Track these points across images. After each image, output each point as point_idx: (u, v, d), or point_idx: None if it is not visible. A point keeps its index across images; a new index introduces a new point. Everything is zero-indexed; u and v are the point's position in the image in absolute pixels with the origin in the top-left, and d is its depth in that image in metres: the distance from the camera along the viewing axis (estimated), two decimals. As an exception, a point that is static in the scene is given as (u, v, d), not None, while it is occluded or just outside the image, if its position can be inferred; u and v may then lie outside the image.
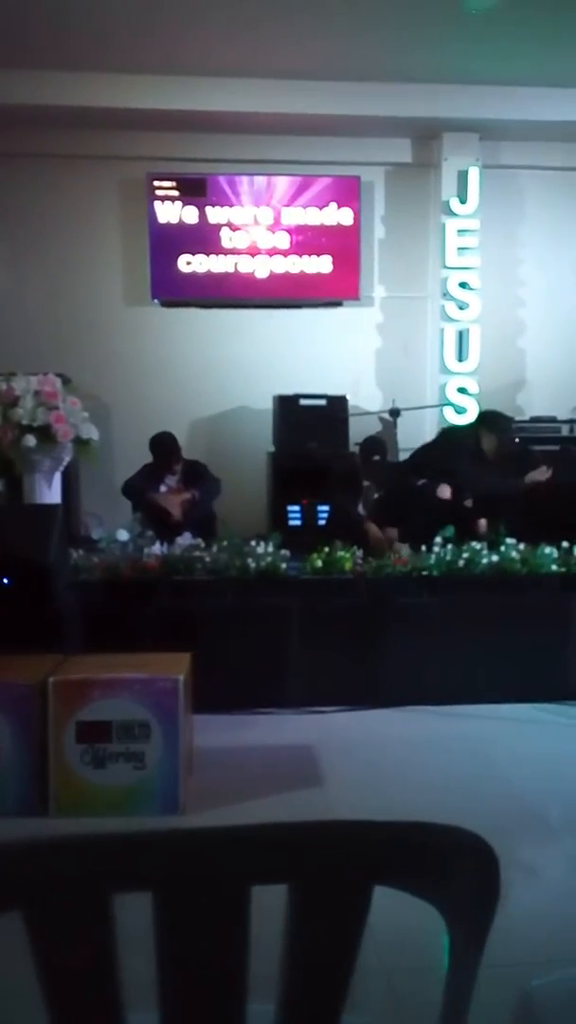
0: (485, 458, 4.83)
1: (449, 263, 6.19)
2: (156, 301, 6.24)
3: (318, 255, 6.25)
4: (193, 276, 6.18)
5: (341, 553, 3.90)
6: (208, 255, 6.17)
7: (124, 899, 0.76)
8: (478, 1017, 0.88)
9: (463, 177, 6.16)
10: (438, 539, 4.00)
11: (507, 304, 6.50)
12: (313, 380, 6.03)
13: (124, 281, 6.28)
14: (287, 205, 6.21)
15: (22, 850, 0.74)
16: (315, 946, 0.79)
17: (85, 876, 0.75)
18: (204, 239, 6.17)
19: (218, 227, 6.17)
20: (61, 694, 2.68)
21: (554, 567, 3.93)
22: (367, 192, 6.33)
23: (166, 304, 6.27)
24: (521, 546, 3.98)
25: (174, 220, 6.13)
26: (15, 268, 6.23)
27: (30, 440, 3.80)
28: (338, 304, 6.37)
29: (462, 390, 6.20)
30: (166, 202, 6.11)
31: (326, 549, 3.92)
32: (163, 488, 5.30)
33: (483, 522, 4.45)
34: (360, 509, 4.92)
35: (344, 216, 6.24)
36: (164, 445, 5.33)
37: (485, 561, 3.91)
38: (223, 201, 6.16)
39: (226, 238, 6.19)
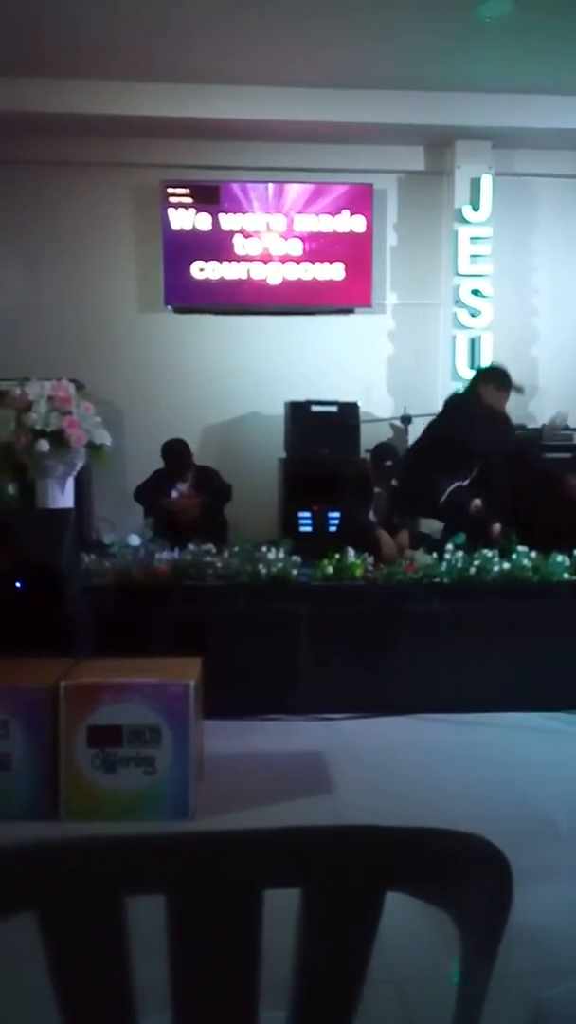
0: (492, 414, 4.65)
1: (461, 270, 6.19)
2: (169, 307, 6.26)
3: (330, 262, 6.26)
4: (206, 283, 6.20)
5: (352, 560, 3.90)
6: (221, 262, 6.20)
7: (137, 902, 0.76)
8: (490, 1027, 0.88)
9: (476, 185, 6.16)
10: (449, 546, 3.99)
11: (519, 312, 6.49)
12: (325, 387, 6.04)
13: (137, 287, 6.31)
14: (300, 212, 6.23)
15: (36, 851, 0.74)
16: (327, 951, 0.79)
17: (98, 878, 0.75)
18: (217, 246, 6.19)
19: (231, 234, 6.20)
20: (72, 698, 2.68)
21: (566, 575, 3.91)
22: (380, 199, 6.34)
23: (179, 310, 6.30)
24: (533, 554, 3.96)
25: (187, 227, 6.16)
26: (30, 274, 6.27)
27: (43, 445, 3.82)
28: (350, 311, 6.38)
29: (474, 397, 6.18)
30: (179, 209, 6.14)
31: (337, 555, 3.91)
32: (174, 494, 5.31)
33: (497, 527, 4.43)
34: (371, 516, 4.92)
35: (357, 223, 6.25)
36: (175, 452, 5.35)
37: (496, 569, 3.89)
38: (236, 208, 6.19)
39: (239, 245, 6.21)
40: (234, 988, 0.79)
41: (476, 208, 6.17)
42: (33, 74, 5.39)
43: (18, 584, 3.22)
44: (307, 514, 5.67)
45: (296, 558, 3.91)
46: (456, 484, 4.56)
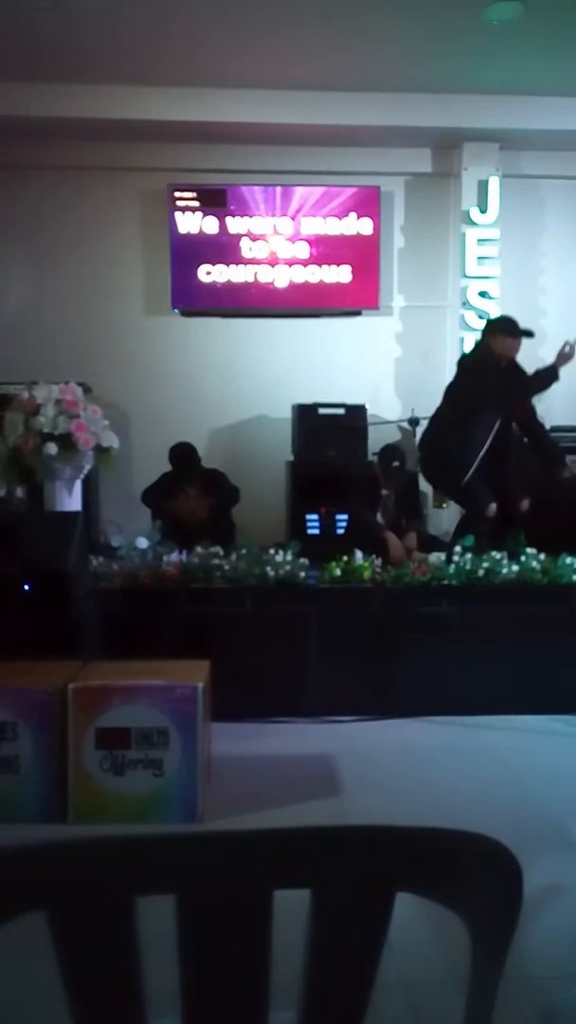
0: (506, 365, 4.65)
1: (469, 272, 6.19)
2: (176, 311, 6.28)
3: (338, 265, 6.26)
4: (213, 286, 6.21)
5: (360, 562, 3.90)
6: (228, 265, 6.21)
7: (147, 902, 0.76)
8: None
9: (483, 187, 6.15)
10: (457, 548, 3.99)
11: (527, 313, 6.44)
12: (332, 389, 6.04)
13: (145, 291, 6.32)
14: (307, 215, 6.24)
15: (47, 851, 0.74)
16: (337, 952, 0.79)
17: (108, 878, 0.75)
18: (224, 249, 6.20)
19: (238, 237, 6.21)
20: (81, 701, 2.69)
21: (575, 577, 3.90)
22: (387, 202, 6.34)
23: (186, 314, 6.31)
24: (542, 556, 3.95)
25: (194, 230, 6.18)
26: (37, 278, 6.30)
27: (51, 448, 3.83)
28: (357, 313, 6.38)
29: (482, 399, 6.17)
30: (186, 212, 6.16)
31: (345, 558, 3.91)
32: (182, 497, 5.32)
33: (526, 502, 4.45)
34: (379, 518, 4.91)
35: (364, 226, 6.25)
36: (183, 455, 5.36)
37: (505, 571, 3.88)
38: (243, 211, 6.20)
39: (246, 248, 6.22)
40: (244, 989, 0.79)
41: (483, 210, 6.16)
42: (39, 79, 5.42)
43: (26, 587, 3.23)
44: (315, 516, 5.67)
45: (304, 560, 3.91)
46: (477, 461, 4.52)
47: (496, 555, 3.94)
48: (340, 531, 5.40)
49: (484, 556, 3.93)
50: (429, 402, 6.19)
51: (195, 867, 0.77)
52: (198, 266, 6.19)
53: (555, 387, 6.51)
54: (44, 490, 4.05)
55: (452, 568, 3.89)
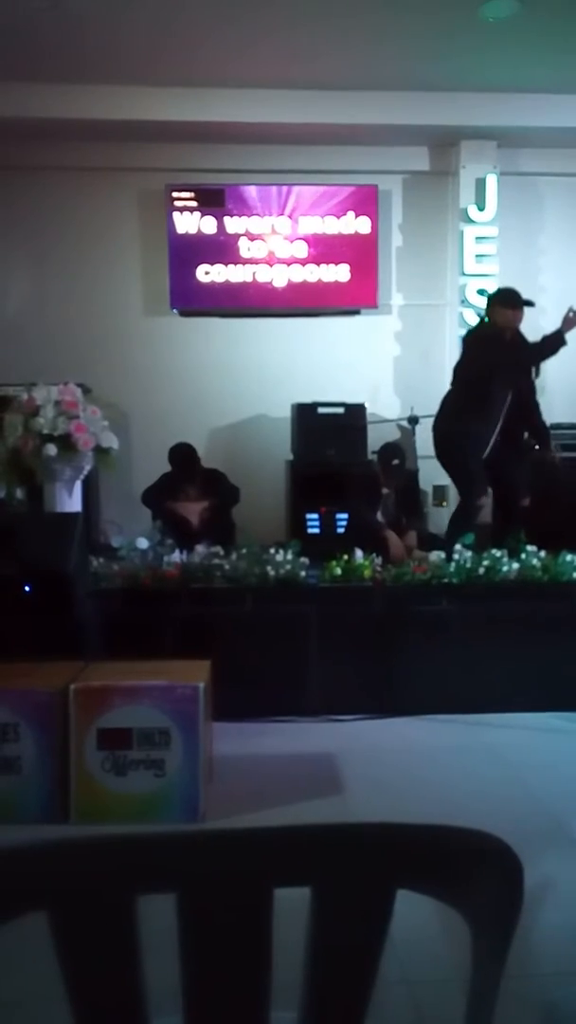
0: (511, 337, 4.67)
1: (467, 270, 6.19)
2: (175, 311, 6.27)
3: (336, 264, 6.26)
4: (211, 286, 6.21)
5: (360, 561, 3.90)
6: (226, 265, 6.21)
7: (148, 901, 0.76)
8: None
9: (481, 184, 6.15)
10: (458, 546, 3.99)
11: (526, 311, 6.46)
12: (331, 388, 6.04)
13: (143, 291, 6.32)
14: (305, 214, 6.23)
15: (47, 850, 0.74)
16: (338, 950, 0.79)
17: (110, 877, 0.75)
18: (222, 249, 6.20)
19: (236, 237, 6.21)
20: (82, 701, 2.69)
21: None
22: (385, 200, 6.34)
23: (185, 314, 6.31)
24: (542, 553, 3.95)
25: (192, 230, 6.17)
26: (36, 279, 6.30)
27: (51, 449, 3.83)
28: (356, 312, 6.38)
29: (481, 397, 6.17)
30: (184, 212, 6.15)
31: (345, 557, 3.91)
32: (182, 497, 5.31)
33: (527, 500, 4.51)
34: (379, 516, 4.91)
35: (362, 225, 6.25)
36: (182, 456, 5.35)
37: (506, 569, 3.88)
38: (241, 211, 6.20)
39: (244, 248, 6.22)
40: (245, 988, 0.79)
41: (481, 208, 6.16)
42: (37, 80, 5.41)
43: (27, 588, 3.23)
44: (315, 516, 5.66)
45: (304, 560, 3.91)
46: (483, 446, 4.54)
47: (496, 553, 3.94)
48: (340, 530, 5.40)
49: (484, 554, 3.93)
50: (429, 400, 6.19)
51: (195, 865, 0.77)
52: (196, 266, 6.19)
53: (555, 385, 6.53)
54: (44, 491, 4.05)
55: (452, 566, 3.89)
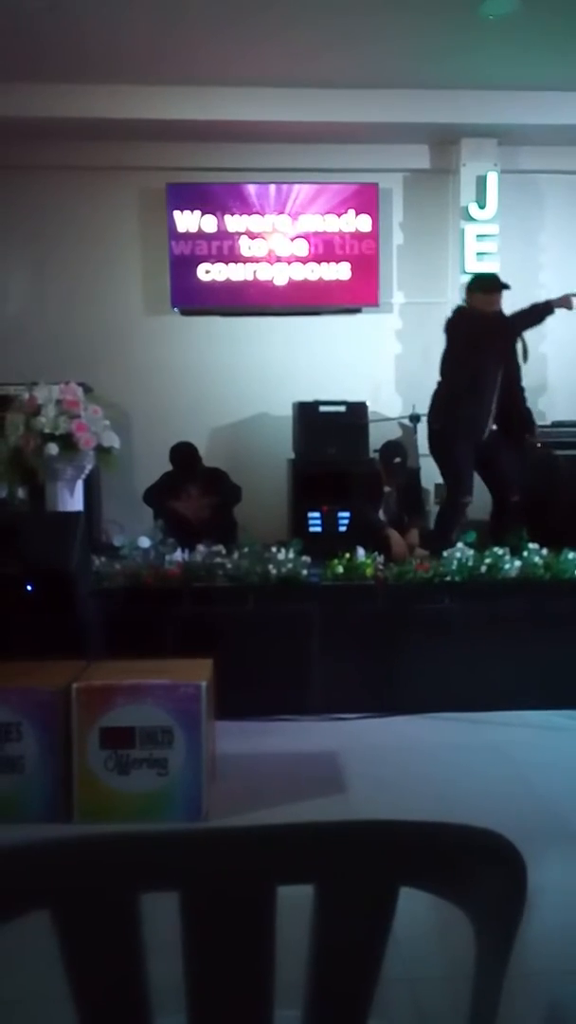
0: (492, 317, 4.68)
1: (468, 268, 6.16)
2: (176, 310, 6.27)
3: (337, 262, 6.25)
4: (212, 284, 6.21)
5: (362, 559, 3.90)
6: (227, 264, 6.20)
7: (151, 899, 0.76)
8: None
9: (482, 182, 6.14)
10: (460, 544, 3.98)
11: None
12: (333, 387, 6.03)
13: (144, 290, 6.32)
14: (305, 213, 6.23)
15: (50, 849, 0.74)
16: (341, 948, 0.79)
17: (113, 875, 0.75)
18: (223, 248, 6.20)
19: (237, 236, 6.20)
20: (85, 700, 2.69)
21: (577, 572, 3.90)
22: (385, 199, 6.33)
23: (186, 313, 6.31)
24: (544, 551, 3.95)
25: (193, 229, 6.17)
26: (37, 278, 6.29)
27: (52, 448, 3.83)
28: (357, 311, 6.37)
29: (482, 395, 6.16)
30: (185, 211, 6.15)
31: (347, 555, 3.91)
32: (183, 496, 5.32)
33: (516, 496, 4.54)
34: (381, 515, 4.91)
35: (362, 223, 6.25)
36: (183, 455, 5.36)
37: (508, 567, 3.88)
38: (242, 210, 6.19)
39: (245, 246, 6.21)
40: (248, 986, 0.79)
41: (482, 206, 6.15)
42: (38, 79, 5.41)
43: (29, 587, 3.23)
44: (317, 514, 5.66)
45: (306, 558, 3.91)
46: (478, 430, 4.54)
47: (499, 551, 3.94)
48: (342, 529, 5.39)
49: (486, 552, 3.93)
50: (430, 399, 6.21)
51: (198, 864, 0.77)
52: (197, 265, 6.18)
53: (556, 384, 6.53)
54: (46, 490, 4.05)
55: (455, 565, 3.89)
